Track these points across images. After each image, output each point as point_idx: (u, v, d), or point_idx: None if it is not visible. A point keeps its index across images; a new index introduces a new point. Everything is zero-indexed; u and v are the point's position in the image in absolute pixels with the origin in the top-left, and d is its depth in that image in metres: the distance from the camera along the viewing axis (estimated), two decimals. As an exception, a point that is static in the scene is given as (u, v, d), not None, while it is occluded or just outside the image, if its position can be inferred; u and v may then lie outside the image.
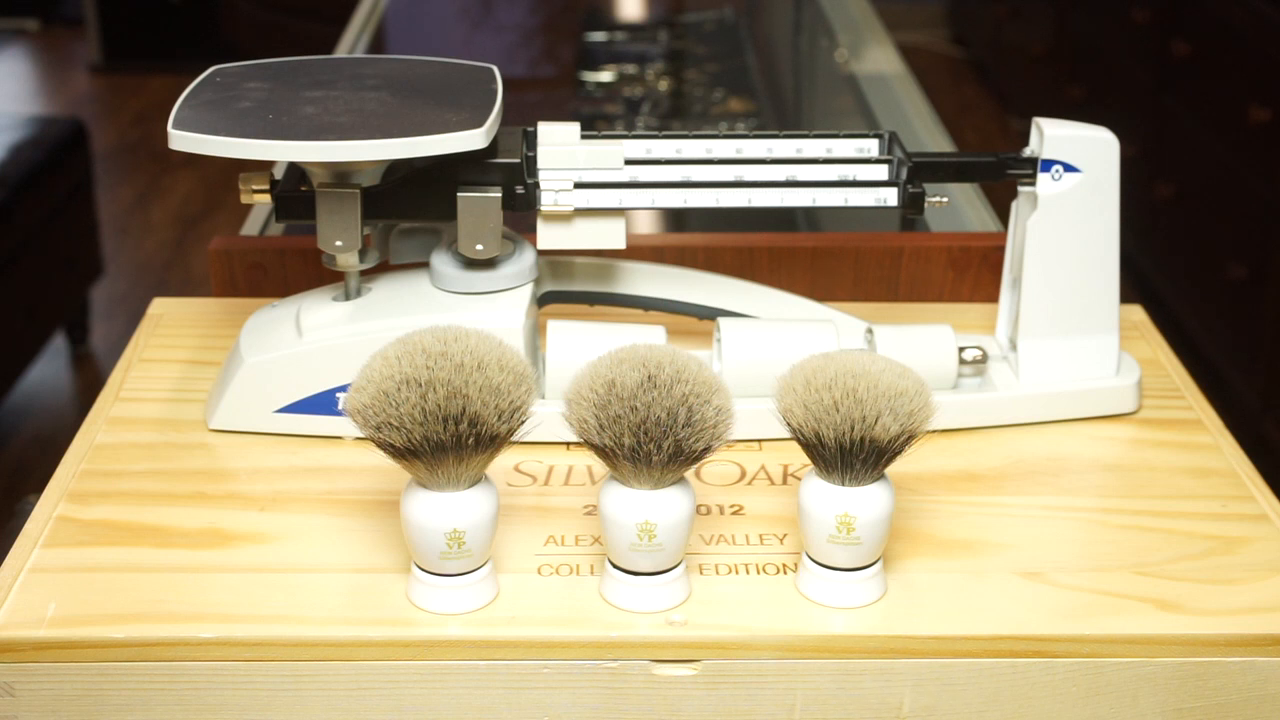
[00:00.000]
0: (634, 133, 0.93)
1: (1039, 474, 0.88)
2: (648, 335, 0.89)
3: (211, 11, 4.20)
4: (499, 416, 0.71)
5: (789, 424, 0.74)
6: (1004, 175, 0.91)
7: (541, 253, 0.92)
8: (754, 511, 0.84)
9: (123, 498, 0.84)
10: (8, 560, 0.78)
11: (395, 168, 0.88)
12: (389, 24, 2.23)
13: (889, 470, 0.75)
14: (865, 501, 0.74)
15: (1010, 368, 0.95)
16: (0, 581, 0.76)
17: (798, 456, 0.88)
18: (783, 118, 2.04)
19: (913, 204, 0.89)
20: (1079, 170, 0.90)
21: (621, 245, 0.90)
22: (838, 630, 0.74)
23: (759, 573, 0.78)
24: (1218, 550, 0.81)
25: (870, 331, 0.93)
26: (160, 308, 1.05)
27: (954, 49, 4.42)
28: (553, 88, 2.19)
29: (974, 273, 1.10)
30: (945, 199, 0.91)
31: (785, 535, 0.82)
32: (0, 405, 2.59)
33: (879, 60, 1.91)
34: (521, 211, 0.89)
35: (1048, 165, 0.90)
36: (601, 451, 0.72)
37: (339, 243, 0.87)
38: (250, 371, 0.89)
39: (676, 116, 2.01)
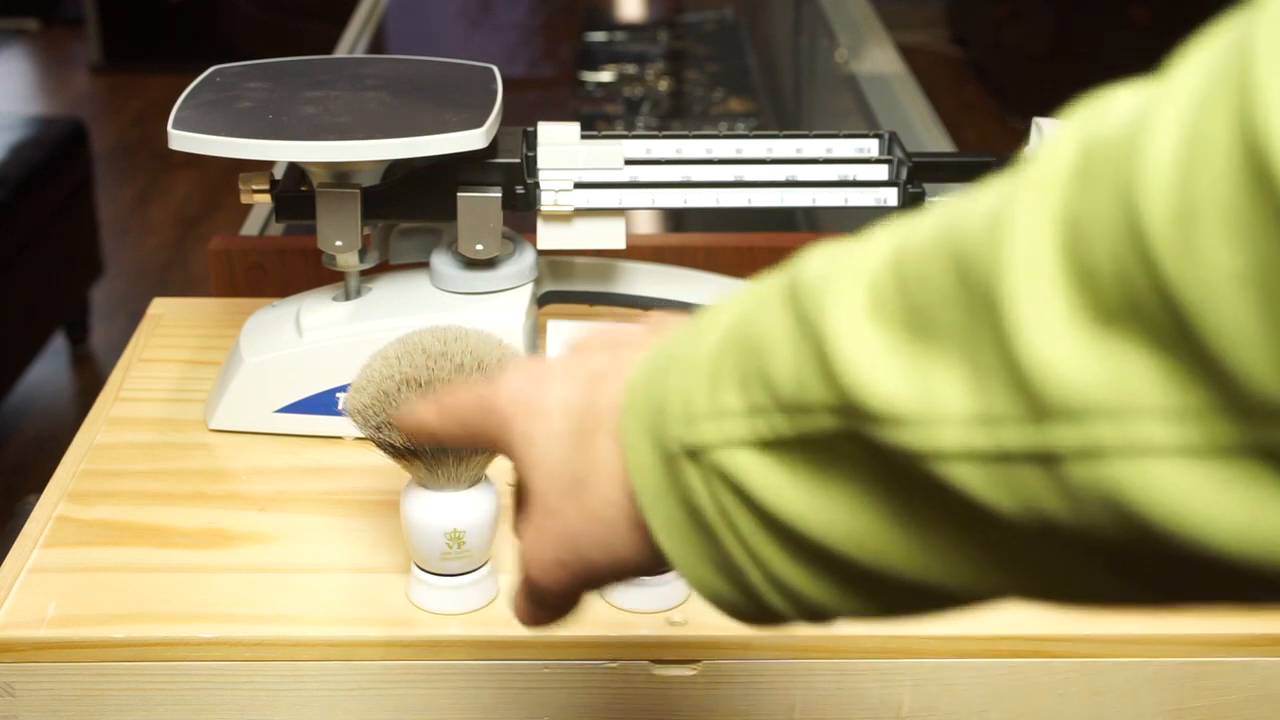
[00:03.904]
0: (634, 133, 0.93)
1: (1039, 474, 0.88)
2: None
3: (211, 11, 4.20)
4: (499, 416, 0.70)
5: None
6: (1004, 175, 0.91)
7: (541, 253, 0.92)
8: (754, 511, 0.84)
9: (123, 498, 0.84)
10: (8, 560, 0.78)
11: (395, 168, 0.88)
12: (389, 24, 2.23)
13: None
14: (865, 501, 0.73)
15: (1010, 368, 0.94)
16: (0, 581, 0.76)
17: (798, 456, 0.88)
18: (783, 118, 2.04)
19: (913, 204, 0.89)
20: (1079, 170, 0.90)
21: (621, 245, 0.90)
22: (837, 630, 0.74)
23: (759, 573, 0.78)
24: (1218, 550, 0.81)
25: (870, 331, 0.93)
26: (160, 308, 1.05)
27: (954, 49, 4.42)
28: (553, 88, 2.19)
29: (974, 273, 1.10)
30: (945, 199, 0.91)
31: (785, 535, 0.81)
32: (0, 405, 2.59)
33: (879, 60, 1.91)
34: (521, 211, 0.89)
35: (1048, 165, 0.90)
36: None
37: (339, 243, 0.87)
38: (250, 371, 0.89)
39: (676, 116, 2.01)
